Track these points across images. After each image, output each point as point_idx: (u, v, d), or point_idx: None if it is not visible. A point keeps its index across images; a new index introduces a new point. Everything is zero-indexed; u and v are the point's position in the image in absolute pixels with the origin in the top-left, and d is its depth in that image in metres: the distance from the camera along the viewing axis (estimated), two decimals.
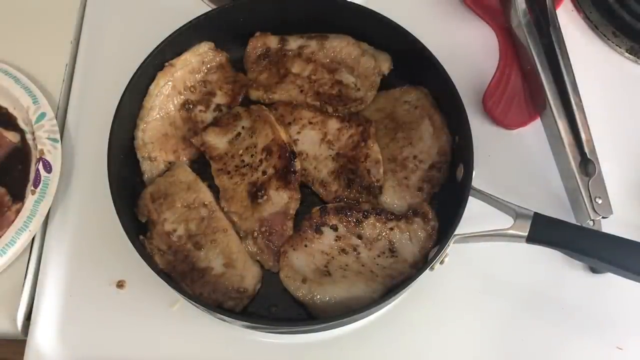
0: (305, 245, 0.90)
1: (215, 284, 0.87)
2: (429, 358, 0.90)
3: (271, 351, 0.90)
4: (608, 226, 0.91)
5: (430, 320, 0.91)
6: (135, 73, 0.93)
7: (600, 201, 0.90)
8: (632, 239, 0.82)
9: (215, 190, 0.94)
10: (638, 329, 0.91)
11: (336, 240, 0.90)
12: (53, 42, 1.08)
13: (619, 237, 0.83)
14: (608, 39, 1.07)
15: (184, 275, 0.87)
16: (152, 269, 0.82)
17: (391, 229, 0.90)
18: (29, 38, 1.08)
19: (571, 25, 1.08)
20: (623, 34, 1.07)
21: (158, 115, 0.97)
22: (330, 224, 0.90)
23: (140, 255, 0.83)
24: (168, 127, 0.97)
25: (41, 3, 1.11)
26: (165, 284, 0.82)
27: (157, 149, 0.95)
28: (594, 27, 1.08)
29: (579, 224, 0.92)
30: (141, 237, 0.89)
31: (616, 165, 0.97)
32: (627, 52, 1.06)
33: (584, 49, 1.06)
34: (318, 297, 0.85)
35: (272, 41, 1.03)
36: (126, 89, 0.92)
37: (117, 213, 0.85)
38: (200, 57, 1.00)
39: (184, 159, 0.97)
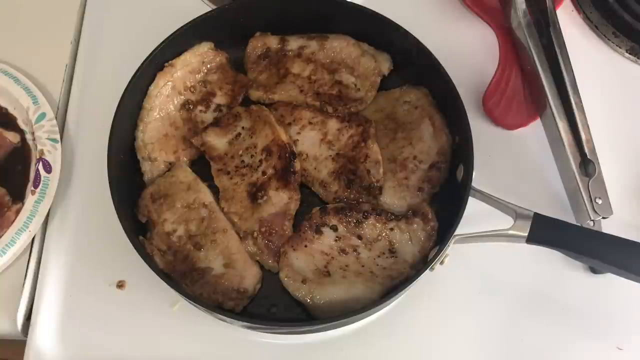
0: (305, 246, 0.90)
1: (215, 284, 0.87)
2: (429, 358, 0.90)
3: (271, 351, 0.90)
4: (608, 226, 0.91)
5: (430, 321, 0.91)
6: (135, 73, 0.93)
7: (600, 201, 0.90)
8: (632, 239, 0.82)
9: (215, 190, 0.94)
10: (638, 329, 0.91)
11: (336, 240, 0.90)
12: (53, 42, 1.08)
13: (619, 237, 0.83)
14: (608, 39, 1.07)
15: (184, 276, 0.87)
16: (152, 269, 0.82)
17: (391, 229, 0.90)
18: (29, 38, 1.08)
19: (571, 26, 1.08)
20: (623, 34, 1.07)
21: (158, 116, 0.97)
22: (330, 225, 0.90)
23: (140, 256, 0.83)
24: (168, 128, 0.97)
25: (41, 3, 1.11)
26: (165, 284, 0.82)
27: (157, 149, 0.95)
28: (594, 27, 1.08)
29: (579, 224, 0.92)
30: (141, 237, 0.89)
31: (616, 166, 0.97)
32: (627, 52, 1.06)
33: (584, 49, 1.06)
34: (318, 297, 0.85)
35: (272, 41, 1.03)
36: (126, 89, 0.92)
37: (117, 213, 0.85)
38: (200, 57, 1.00)
39: (184, 159, 0.97)
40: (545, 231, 0.83)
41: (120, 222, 0.84)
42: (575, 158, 0.92)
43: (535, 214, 0.83)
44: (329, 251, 0.90)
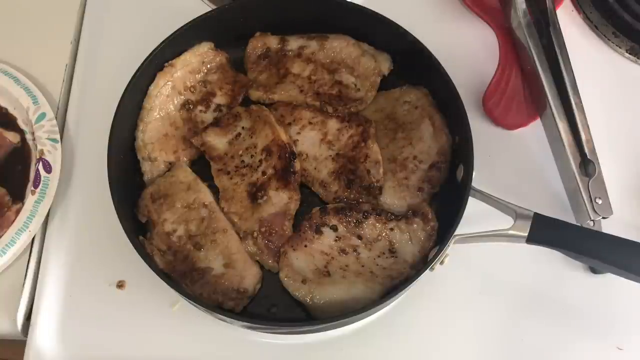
0: (305, 246, 0.90)
1: (215, 284, 0.87)
2: (429, 358, 0.90)
3: (271, 351, 0.90)
4: (608, 226, 0.91)
5: (430, 321, 0.91)
6: (135, 73, 0.93)
7: (600, 201, 0.90)
8: (632, 239, 0.82)
9: (215, 190, 0.94)
10: (638, 329, 0.91)
11: (336, 240, 0.90)
12: (53, 42, 1.08)
13: (619, 237, 0.83)
14: (608, 39, 1.07)
15: (184, 276, 0.87)
16: (152, 269, 0.82)
17: (391, 229, 0.90)
18: (29, 38, 1.08)
19: (571, 26, 1.08)
20: (623, 34, 1.07)
21: (158, 116, 0.97)
22: (330, 225, 0.90)
23: (140, 256, 0.83)
24: (168, 128, 0.97)
25: (41, 3, 1.11)
26: (165, 284, 0.82)
27: (157, 149, 0.95)
28: (594, 27, 1.08)
29: (579, 224, 0.92)
30: (141, 237, 0.89)
31: (616, 166, 0.97)
32: (627, 52, 1.06)
33: (584, 49, 1.06)
34: (318, 297, 0.85)
35: (272, 41, 1.03)
36: (126, 89, 0.92)
37: (117, 213, 0.85)
38: (200, 57, 1.00)
39: (184, 159, 0.97)
40: (545, 231, 0.83)
41: (120, 222, 0.84)
42: (575, 158, 0.92)
43: (535, 214, 0.83)
44: (329, 251, 0.90)
